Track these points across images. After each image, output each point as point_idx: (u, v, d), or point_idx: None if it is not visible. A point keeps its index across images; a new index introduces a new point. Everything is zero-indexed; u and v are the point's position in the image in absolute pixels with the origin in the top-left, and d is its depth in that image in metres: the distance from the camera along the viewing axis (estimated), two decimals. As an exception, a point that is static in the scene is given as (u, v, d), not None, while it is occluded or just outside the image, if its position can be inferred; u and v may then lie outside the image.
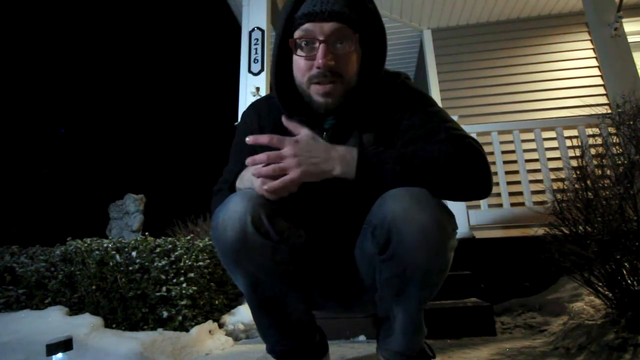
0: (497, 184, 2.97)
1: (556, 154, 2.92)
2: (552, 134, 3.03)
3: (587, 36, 4.28)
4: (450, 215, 0.81)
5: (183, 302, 1.75)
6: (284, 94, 0.98)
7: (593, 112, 2.25)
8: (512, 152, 3.03)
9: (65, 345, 1.12)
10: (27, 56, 15.49)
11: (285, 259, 0.89)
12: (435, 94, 4.37)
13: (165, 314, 1.73)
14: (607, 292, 1.37)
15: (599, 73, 4.06)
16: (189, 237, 2.10)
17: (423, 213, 0.77)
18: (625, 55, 2.89)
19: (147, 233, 2.07)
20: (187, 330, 1.71)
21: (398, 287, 0.85)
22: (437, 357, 1.37)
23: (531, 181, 2.83)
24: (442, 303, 1.94)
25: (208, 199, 1.12)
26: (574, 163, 2.24)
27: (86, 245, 1.91)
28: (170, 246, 1.92)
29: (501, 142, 3.06)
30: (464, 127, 1.02)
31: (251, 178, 0.86)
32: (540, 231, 1.62)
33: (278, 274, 0.89)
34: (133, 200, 4.53)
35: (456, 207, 2.80)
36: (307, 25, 0.89)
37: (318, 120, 0.98)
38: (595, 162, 1.58)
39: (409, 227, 0.77)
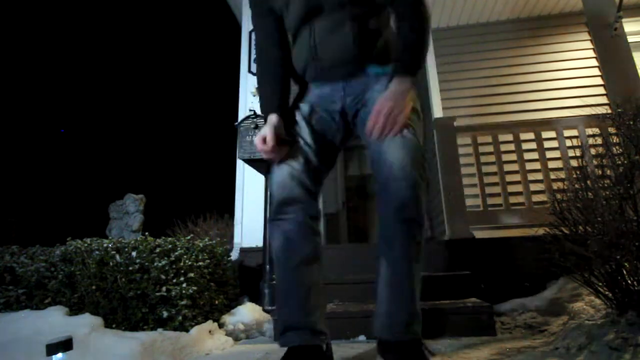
0: (497, 184, 2.98)
1: (556, 154, 2.92)
2: (552, 134, 3.03)
3: (587, 36, 4.27)
4: (425, 164, 1.16)
5: (183, 302, 1.75)
6: None
7: (593, 112, 2.25)
8: (512, 152, 3.03)
9: (65, 345, 1.12)
10: (27, 56, 15.49)
11: (316, 217, 1.22)
12: (435, 93, 4.36)
13: (165, 314, 1.73)
14: (607, 292, 1.37)
15: (599, 73, 4.06)
16: (189, 237, 2.10)
17: (411, 166, 1.10)
18: (625, 55, 2.89)
19: (147, 233, 2.07)
20: (187, 330, 1.70)
21: (388, 223, 1.12)
22: (437, 357, 1.37)
23: (531, 181, 2.83)
24: (442, 303, 1.94)
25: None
26: (574, 163, 2.24)
27: (86, 245, 1.91)
28: (170, 246, 1.92)
29: (501, 142, 3.06)
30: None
31: None
32: (540, 231, 1.62)
33: (308, 232, 1.19)
34: (133, 200, 4.53)
35: (456, 208, 2.81)
36: None
37: None
38: (595, 162, 1.58)
39: (399, 173, 1.10)
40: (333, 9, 1.22)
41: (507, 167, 3.01)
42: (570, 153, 2.74)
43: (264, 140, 1.20)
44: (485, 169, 3.06)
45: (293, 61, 1.36)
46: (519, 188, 2.98)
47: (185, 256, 1.90)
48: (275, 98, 1.31)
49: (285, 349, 1.14)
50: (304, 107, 1.32)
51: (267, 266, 2.38)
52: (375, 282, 1.16)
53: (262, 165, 2.47)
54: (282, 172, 1.22)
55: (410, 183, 1.08)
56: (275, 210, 1.21)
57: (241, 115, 3.11)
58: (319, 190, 1.27)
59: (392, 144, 1.13)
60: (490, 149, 3.09)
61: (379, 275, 1.14)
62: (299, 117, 1.31)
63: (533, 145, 3.00)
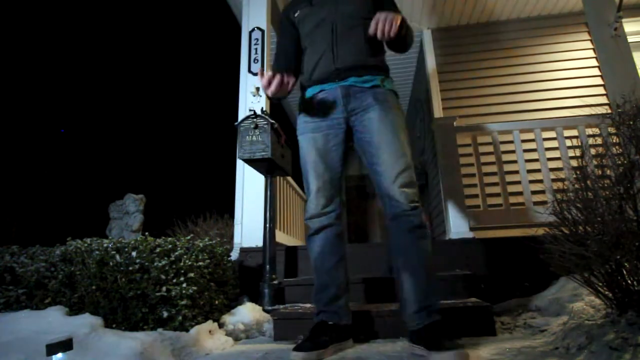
0: (497, 184, 2.98)
1: (556, 154, 2.92)
2: (552, 134, 3.03)
3: (587, 36, 4.28)
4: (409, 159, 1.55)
5: (183, 302, 1.75)
6: None
7: (593, 112, 2.25)
8: (512, 152, 3.03)
9: (65, 345, 1.12)
10: (27, 56, 15.48)
11: (342, 232, 1.64)
12: (435, 94, 4.37)
13: (165, 314, 1.73)
14: (607, 292, 1.37)
15: (599, 73, 4.06)
16: (189, 237, 2.10)
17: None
18: (625, 55, 2.89)
19: (147, 233, 2.07)
20: (187, 330, 1.71)
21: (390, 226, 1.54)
22: (437, 357, 1.36)
23: (531, 181, 2.83)
24: (442, 303, 1.94)
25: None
26: (574, 163, 2.23)
27: (86, 245, 1.91)
28: (170, 246, 1.92)
29: (501, 142, 3.06)
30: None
31: None
32: (540, 231, 1.62)
33: (335, 246, 1.61)
34: (133, 200, 4.53)
35: (456, 208, 2.80)
36: None
37: None
38: (595, 162, 1.58)
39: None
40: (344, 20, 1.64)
41: (507, 167, 3.01)
42: (570, 153, 2.74)
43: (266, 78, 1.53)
44: (485, 169, 3.06)
45: (303, 67, 1.72)
46: (519, 188, 2.98)
47: (185, 256, 1.90)
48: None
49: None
50: (314, 137, 1.64)
51: (267, 266, 2.38)
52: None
53: (262, 165, 2.47)
54: (310, 208, 1.63)
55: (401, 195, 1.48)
56: (312, 231, 1.63)
57: (241, 115, 3.11)
58: (341, 207, 1.65)
59: (383, 158, 1.52)
60: (490, 149, 3.09)
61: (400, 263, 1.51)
62: (310, 150, 1.64)
63: (533, 145, 3.00)
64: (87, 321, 1.51)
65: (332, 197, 1.61)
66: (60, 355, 1.11)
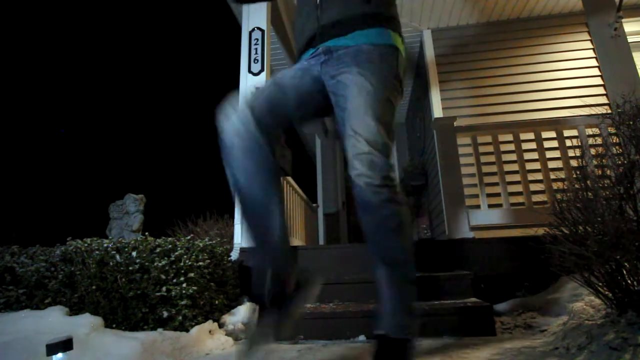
0: (497, 184, 2.98)
1: (556, 154, 2.92)
2: (552, 134, 3.03)
3: (587, 36, 4.27)
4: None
5: (183, 302, 1.75)
6: None
7: (593, 112, 2.25)
8: (512, 152, 3.03)
9: (65, 345, 1.12)
10: (27, 56, 15.48)
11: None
12: (435, 94, 4.37)
13: (165, 314, 1.73)
14: (607, 292, 1.37)
15: (599, 73, 4.06)
16: (189, 237, 2.10)
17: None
18: (625, 55, 2.89)
19: (147, 233, 2.07)
20: (187, 330, 1.71)
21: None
22: (437, 357, 1.37)
23: (531, 181, 2.83)
24: (442, 303, 1.94)
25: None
26: (574, 163, 2.24)
27: (86, 245, 1.91)
28: (170, 246, 1.92)
29: (501, 142, 3.06)
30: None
31: None
32: (540, 231, 1.62)
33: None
34: (133, 200, 4.53)
35: (456, 208, 2.80)
36: None
37: None
38: (595, 162, 1.58)
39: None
40: None
41: (507, 167, 3.01)
42: (570, 153, 2.74)
43: None
44: (485, 169, 3.06)
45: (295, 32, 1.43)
46: (519, 188, 2.98)
47: (185, 256, 1.90)
48: None
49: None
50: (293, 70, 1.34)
51: (267, 266, 2.38)
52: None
53: (262, 165, 2.46)
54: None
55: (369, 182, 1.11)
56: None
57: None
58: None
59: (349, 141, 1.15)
60: (490, 149, 3.09)
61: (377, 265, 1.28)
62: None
63: (533, 145, 3.00)
64: (87, 321, 1.51)
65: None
66: (60, 355, 1.11)
